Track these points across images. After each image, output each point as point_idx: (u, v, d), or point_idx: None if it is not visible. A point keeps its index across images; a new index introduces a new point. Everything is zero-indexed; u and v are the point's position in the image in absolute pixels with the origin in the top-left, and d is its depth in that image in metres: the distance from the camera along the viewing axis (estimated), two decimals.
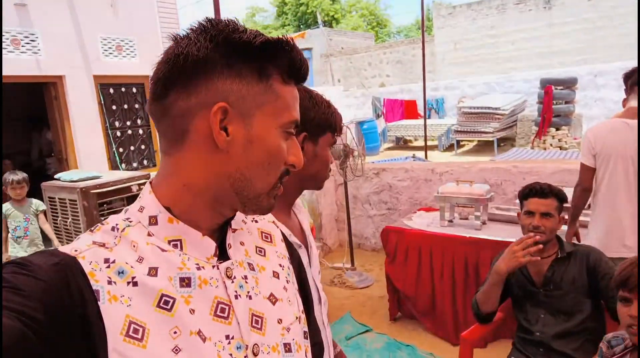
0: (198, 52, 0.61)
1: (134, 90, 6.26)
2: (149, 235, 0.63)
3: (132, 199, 4.49)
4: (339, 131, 1.29)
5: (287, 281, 0.78)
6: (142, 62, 6.30)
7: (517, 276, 2.13)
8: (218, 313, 0.64)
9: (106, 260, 0.59)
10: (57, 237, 4.57)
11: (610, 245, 2.48)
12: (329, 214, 5.32)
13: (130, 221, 0.64)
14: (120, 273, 0.59)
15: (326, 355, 1.25)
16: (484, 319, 2.13)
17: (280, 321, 0.72)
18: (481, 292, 2.11)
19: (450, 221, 3.60)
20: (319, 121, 1.25)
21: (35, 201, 4.17)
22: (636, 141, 2.43)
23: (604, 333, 2.03)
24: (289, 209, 1.29)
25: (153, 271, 0.61)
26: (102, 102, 5.90)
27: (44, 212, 4.23)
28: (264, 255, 0.77)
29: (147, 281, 0.60)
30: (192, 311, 0.61)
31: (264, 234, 0.80)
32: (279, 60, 0.65)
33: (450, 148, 12.18)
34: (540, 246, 1.92)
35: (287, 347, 0.72)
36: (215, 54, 0.61)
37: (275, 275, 0.76)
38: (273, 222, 0.85)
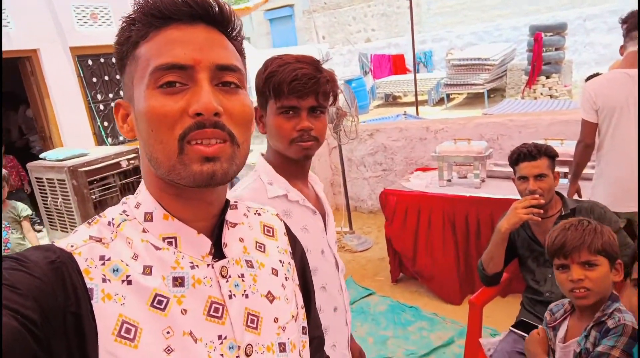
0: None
1: (113, 60, 6.01)
2: (144, 231, 0.62)
3: (122, 175, 4.40)
4: (287, 95, 1.13)
5: (286, 278, 0.76)
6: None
7: (522, 236, 2.11)
8: (212, 313, 0.63)
9: (101, 257, 0.58)
10: (49, 218, 4.49)
11: (619, 199, 2.46)
12: (324, 178, 5.26)
13: (127, 216, 0.63)
14: (115, 270, 0.58)
15: (343, 318, 1.33)
16: (491, 280, 2.12)
17: (276, 320, 0.70)
18: (486, 253, 2.09)
19: (449, 180, 3.56)
20: (257, 88, 1.21)
21: (19, 205, 3.64)
22: (636, 90, 2.37)
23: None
24: (304, 177, 1.29)
25: (148, 270, 0.60)
26: (82, 74, 5.67)
27: (29, 218, 3.68)
28: (264, 251, 0.74)
29: (142, 280, 0.59)
30: (184, 311, 0.60)
31: (266, 228, 0.78)
32: (133, 31, 0.61)
33: (440, 102, 12.05)
34: (541, 211, 1.89)
35: (282, 347, 0.70)
36: (118, 66, 0.66)
37: (274, 272, 0.74)
38: (277, 215, 0.82)
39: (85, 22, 5.65)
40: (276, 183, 1.23)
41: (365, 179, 5.18)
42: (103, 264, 0.58)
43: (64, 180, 4.10)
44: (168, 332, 0.58)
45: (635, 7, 2.66)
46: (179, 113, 0.58)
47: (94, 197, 4.17)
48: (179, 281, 0.61)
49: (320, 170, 5.21)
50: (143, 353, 0.56)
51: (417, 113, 8.14)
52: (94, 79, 5.81)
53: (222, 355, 0.62)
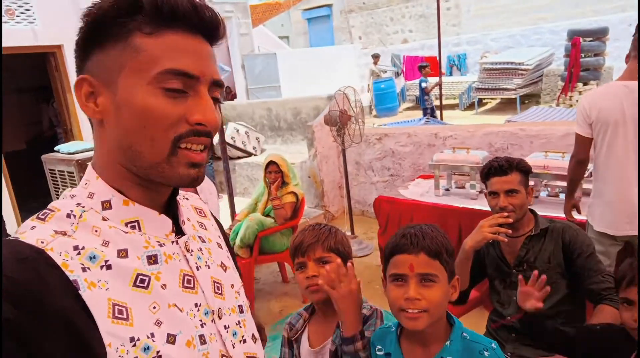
0: (77, 37, 0.63)
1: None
2: (103, 219, 0.63)
3: None
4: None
5: (227, 251, 0.83)
6: None
7: (492, 255, 2.00)
8: (186, 284, 0.67)
9: (75, 248, 0.58)
10: None
11: (616, 222, 2.30)
12: (331, 181, 5.21)
13: (83, 207, 0.63)
14: (92, 258, 0.59)
15: None
16: (456, 299, 2.02)
17: (232, 286, 0.78)
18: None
19: (447, 189, 3.45)
20: None
21: None
22: (636, 105, 2.20)
23: (583, 316, 1.91)
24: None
25: (123, 253, 0.62)
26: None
27: None
28: (206, 229, 0.80)
29: (120, 263, 0.61)
30: (163, 286, 0.64)
31: (197, 209, 0.83)
32: (136, 14, 0.60)
33: (471, 106, 11.72)
34: (509, 231, 1.78)
35: (240, 308, 0.77)
36: (84, 33, 0.62)
37: (219, 246, 0.81)
38: (199, 198, 0.88)
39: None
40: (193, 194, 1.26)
41: (372, 184, 5.10)
42: (78, 254, 0.58)
43: (73, 173, 4.24)
44: (154, 307, 0.62)
45: None
46: (177, 118, 0.61)
47: None
48: (153, 260, 0.64)
49: (328, 173, 5.17)
50: (139, 328, 0.59)
51: (441, 117, 7.93)
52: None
53: (200, 320, 0.67)
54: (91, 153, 3.73)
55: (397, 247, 1.14)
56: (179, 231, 0.71)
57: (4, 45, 4.93)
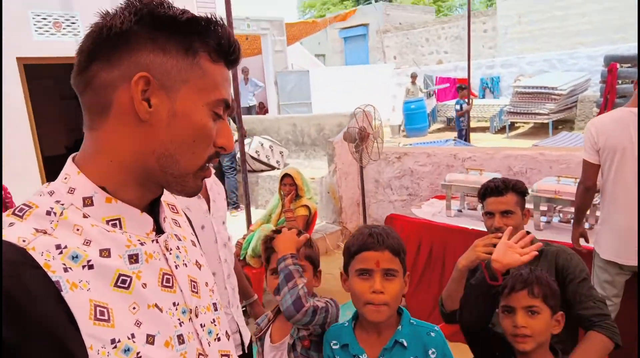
0: (121, 25, 0.61)
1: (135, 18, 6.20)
2: (84, 216, 0.62)
3: None
4: None
5: (200, 249, 0.84)
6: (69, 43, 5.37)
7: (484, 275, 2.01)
8: (164, 283, 0.68)
9: (57, 246, 0.58)
10: None
11: (623, 251, 2.27)
12: (350, 198, 5.27)
13: (63, 204, 0.62)
14: (75, 257, 0.58)
15: (222, 283, 1.68)
16: (449, 318, 2.03)
17: (207, 284, 0.79)
18: (445, 289, 2.02)
19: (460, 211, 3.45)
20: None
21: None
22: None
23: (574, 342, 1.89)
24: None
25: (105, 253, 0.62)
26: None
27: None
28: (180, 226, 0.81)
29: (102, 262, 0.61)
30: (144, 285, 0.64)
31: (170, 205, 0.82)
32: (206, 38, 0.65)
33: (502, 129, 11.57)
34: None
35: (215, 306, 0.79)
36: (139, 27, 0.61)
37: (193, 243, 0.82)
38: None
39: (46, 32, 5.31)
40: None
41: (391, 203, 5.12)
42: (61, 253, 0.57)
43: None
44: (134, 308, 0.62)
45: None
46: (212, 140, 0.68)
47: None
48: (134, 259, 0.65)
49: (347, 189, 5.23)
50: (120, 330, 0.59)
51: (468, 139, 7.88)
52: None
53: (179, 319, 0.68)
54: None
55: (365, 245, 1.25)
56: (158, 229, 0.72)
57: (52, 55, 5.11)
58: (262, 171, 6.09)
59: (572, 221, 2.98)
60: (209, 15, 0.65)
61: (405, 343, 1.24)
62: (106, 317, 0.58)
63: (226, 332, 0.81)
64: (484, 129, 12.27)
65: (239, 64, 0.72)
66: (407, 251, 3.41)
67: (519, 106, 10.52)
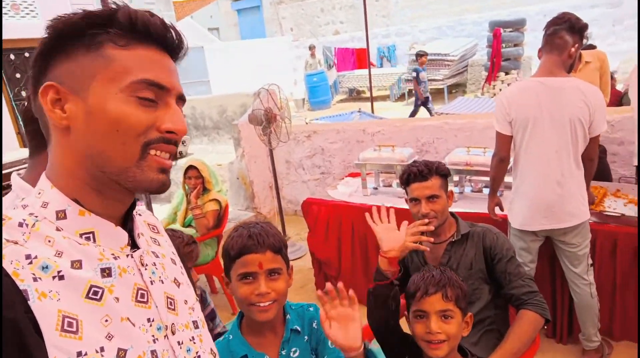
0: (40, 47, 0.63)
1: (45, 35, 5.64)
2: (57, 229, 0.62)
3: None
4: None
5: (181, 267, 0.83)
6: (45, 22, 5.57)
7: (415, 261, 1.93)
8: (139, 298, 0.67)
9: (27, 256, 0.58)
10: None
11: (535, 218, 2.31)
12: (262, 181, 5.03)
13: (36, 217, 0.62)
14: (45, 268, 0.58)
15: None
16: None
17: (186, 302, 0.77)
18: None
19: (375, 188, 3.38)
20: None
21: None
22: (553, 100, 2.21)
23: (506, 320, 1.89)
24: None
25: (77, 264, 0.61)
26: (2, 70, 5.29)
27: None
28: (159, 244, 0.80)
29: (73, 273, 0.60)
30: (116, 299, 0.63)
31: (150, 226, 0.82)
32: (108, 27, 0.63)
33: (402, 97, 11.91)
34: (431, 239, 1.72)
35: (195, 324, 0.78)
36: (49, 42, 0.63)
37: (173, 261, 0.80)
38: (152, 215, 0.87)
39: (6, 13, 5.26)
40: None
41: (304, 183, 4.98)
42: (30, 263, 0.57)
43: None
44: (106, 320, 0.61)
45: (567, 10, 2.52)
46: (148, 125, 0.64)
47: None
48: (106, 272, 0.64)
49: (258, 173, 4.99)
50: (88, 343, 0.58)
51: (372, 110, 7.95)
52: (17, 75, 5.43)
53: (153, 335, 0.67)
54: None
55: (245, 248, 1.17)
56: (133, 245, 0.71)
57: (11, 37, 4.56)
58: None
59: (483, 190, 3.06)
60: (110, 4, 0.66)
61: (298, 329, 1.25)
62: (74, 329, 0.57)
63: (211, 350, 0.80)
64: (384, 98, 12.56)
65: (174, 39, 0.68)
66: (329, 235, 3.28)
67: None
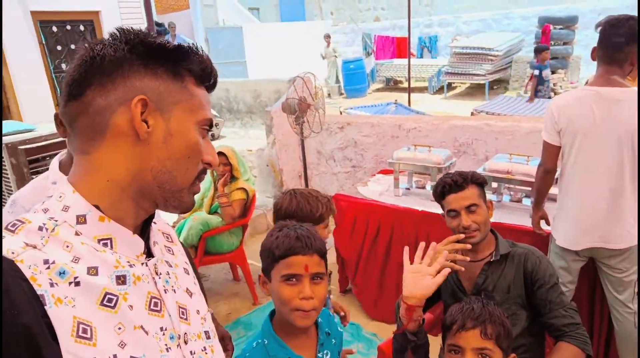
0: (115, 53, 0.65)
1: (82, 28, 5.66)
2: (76, 234, 0.63)
3: None
4: None
5: (194, 277, 0.83)
6: None
7: (447, 280, 1.80)
8: (152, 307, 0.67)
9: (45, 261, 0.58)
10: None
11: (579, 237, 2.15)
12: (291, 170, 4.96)
13: (56, 221, 0.63)
14: (62, 273, 0.59)
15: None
16: None
17: (198, 312, 0.78)
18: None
19: (408, 189, 3.26)
20: None
21: None
22: (609, 113, 2.03)
23: (542, 351, 1.76)
24: None
25: (93, 271, 0.62)
26: (44, 42, 5.35)
27: None
28: (173, 254, 0.81)
29: (89, 280, 0.61)
30: (130, 307, 0.64)
31: (165, 234, 0.84)
32: (191, 64, 0.70)
33: (440, 90, 11.59)
34: (467, 258, 1.59)
35: (207, 334, 0.78)
36: (131, 54, 0.66)
37: (186, 271, 0.81)
38: (166, 223, 0.89)
39: None
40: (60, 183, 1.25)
41: (334, 174, 4.87)
42: (48, 268, 0.58)
43: (2, 157, 3.82)
44: (120, 328, 0.61)
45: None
46: (202, 156, 0.71)
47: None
48: (121, 280, 0.64)
49: (287, 161, 4.91)
50: (101, 350, 0.59)
51: (409, 103, 7.74)
52: (59, 47, 5.49)
53: (166, 344, 0.68)
54: (25, 136, 3.30)
55: (292, 249, 1.15)
56: (148, 253, 0.73)
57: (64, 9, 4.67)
58: None
59: (522, 200, 2.89)
60: (191, 44, 0.72)
61: (329, 332, 1.26)
62: (88, 335, 0.58)
63: None
64: (422, 90, 12.26)
65: (214, 89, 0.77)
66: (354, 234, 3.18)
67: (456, 66, 10.52)
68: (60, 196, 0.66)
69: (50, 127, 4.36)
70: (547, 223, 2.38)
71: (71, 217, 0.64)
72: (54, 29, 5.47)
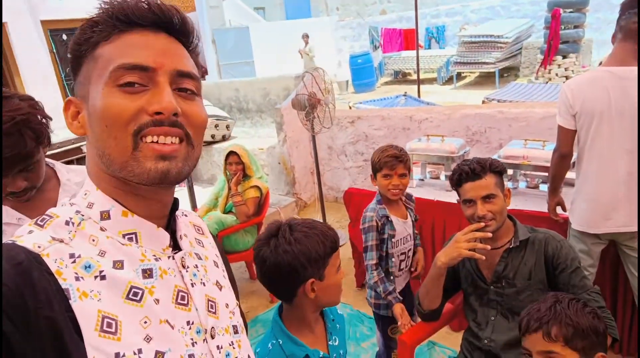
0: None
1: (69, 56, 5.74)
2: (101, 230, 0.63)
3: (80, 161, 4.17)
4: None
5: (223, 270, 0.82)
6: (96, 2, 5.67)
7: (467, 268, 1.79)
8: (179, 301, 0.66)
9: (71, 255, 0.59)
10: None
11: (597, 220, 2.11)
12: (303, 167, 4.96)
13: (83, 215, 0.63)
14: (87, 267, 0.59)
15: None
16: (427, 317, 1.82)
17: (227, 305, 0.76)
18: (422, 285, 1.79)
19: (422, 179, 3.23)
20: None
21: None
22: (624, 93, 1.98)
23: None
24: None
25: (118, 264, 0.61)
26: (55, 50, 5.41)
27: None
28: (203, 246, 0.79)
29: (115, 274, 0.60)
30: (156, 301, 0.63)
31: (196, 226, 0.82)
32: (95, 32, 0.63)
33: (449, 80, 11.48)
34: (488, 246, 1.57)
35: (235, 329, 0.76)
36: (72, 65, 0.66)
37: (215, 264, 0.80)
38: (197, 216, 0.87)
39: None
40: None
41: (346, 169, 4.86)
42: (74, 262, 0.58)
43: None
44: (145, 322, 0.61)
45: None
46: (136, 111, 0.60)
47: None
48: (147, 273, 0.64)
49: (299, 158, 4.91)
50: (126, 344, 0.58)
51: (419, 95, 7.68)
52: (69, 56, 5.53)
53: (192, 339, 0.66)
54: None
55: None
56: (175, 246, 0.71)
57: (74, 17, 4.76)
58: (207, 143, 5.61)
59: (539, 186, 2.84)
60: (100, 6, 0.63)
61: (333, 318, 1.31)
62: (113, 330, 0.58)
63: (248, 356, 0.78)
64: (431, 81, 12.16)
65: (161, 15, 0.64)
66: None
67: (465, 56, 10.41)
68: (86, 193, 0.66)
69: (65, 134, 4.42)
70: (564, 209, 2.34)
71: (95, 213, 0.64)
72: (64, 37, 5.52)
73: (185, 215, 0.81)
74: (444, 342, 2.72)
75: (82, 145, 4.16)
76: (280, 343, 1.20)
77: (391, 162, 2.07)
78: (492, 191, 1.66)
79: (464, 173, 1.67)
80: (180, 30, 0.66)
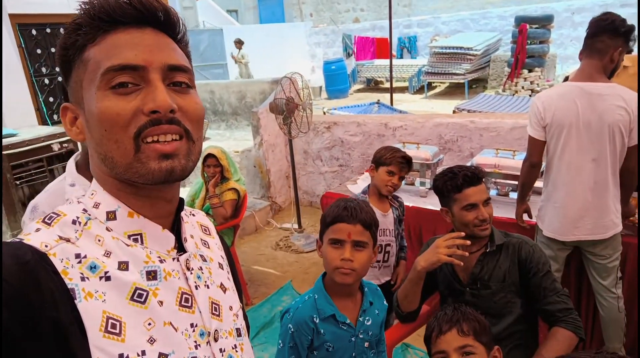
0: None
1: (62, 31, 5.57)
2: (107, 230, 0.63)
3: (51, 159, 4.06)
4: None
5: (228, 272, 0.81)
6: None
7: (444, 271, 1.86)
8: (183, 303, 0.66)
9: (77, 255, 0.58)
10: None
11: (565, 228, 2.23)
12: (278, 170, 4.98)
13: (89, 215, 0.64)
14: (93, 268, 0.59)
15: None
16: (405, 318, 1.88)
17: (231, 308, 0.76)
18: (401, 288, 1.84)
19: None
20: None
21: None
22: (591, 106, 2.11)
23: (536, 337, 1.82)
24: None
25: (124, 266, 0.61)
26: (23, 45, 5.25)
27: None
28: (209, 247, 0.79)
29: (120, 275, 0.60)
30: (160, 303, 0.63)
31: (202, 227, 0.81)
32: (80, 35, 0.62)
33: (420, 89, 11.73)
34: (466, 253, 1.64)
35: (238, 332, 0.76)
36: (61, 70, 0.65)
37: (220, 266, 0.79)
38: (205, 215, 0.86)
39: None
40: (79, 184, 1.29)
41: (321, 174, 4.91)
42: (80, 262, 0.58)
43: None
44: (149, 324, 0.60)
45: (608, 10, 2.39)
46: (133, 112, 0.60)
47: (18, 183, 3.84)
48: (152, 275, 0.64)
49: (275, 162, 4.93)
50: (130, 345, 0.58)
51: (392, 102, 7.83)
52: (38, 51, 5.38)
53: (195, 341, 0.66)
54: (8, 141, 3.26)
55: (339, 217, 1.33)
56: (180, 248, 0.71)
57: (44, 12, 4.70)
58: None
59: (509, 193, 2.97)
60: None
61: (372, 302, 1.42)
62: (117, 331, 0.58)
63: None
64: (402, 90, 12.40)
65: (138, 12, 0.62)
66: None
67: (436, 66, 10.67)
68: (92, 194, 0.66)
69: (33, 132, 4.30)
70: (530, 216, 2.45)
71: (101, 213, 0.64)
72: (34, 32, 5.37)
73: (193, 215, 0.81)
74: (418, 344, 2.79)
75: (52, 143, 4.05)
76: (315, 297, 1.38)
77: (402, 164, 2.23)
78: (489, 195, 1.75)
79: (467, 178, 1.72)
80: (165, 23, 0.65)
